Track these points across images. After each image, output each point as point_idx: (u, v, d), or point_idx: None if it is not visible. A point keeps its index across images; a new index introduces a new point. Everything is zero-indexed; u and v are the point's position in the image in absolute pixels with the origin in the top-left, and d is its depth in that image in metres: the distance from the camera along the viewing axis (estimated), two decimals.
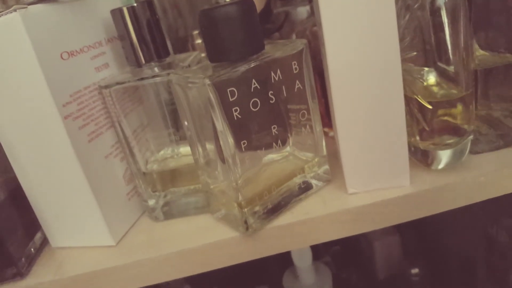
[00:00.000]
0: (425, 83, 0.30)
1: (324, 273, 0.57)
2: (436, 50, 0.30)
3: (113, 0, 0.36)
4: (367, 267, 0.64)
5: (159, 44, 0.32)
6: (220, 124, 0.27)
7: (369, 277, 0.64)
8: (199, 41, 0.47)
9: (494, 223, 0.48)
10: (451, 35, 0.29)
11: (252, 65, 0.28)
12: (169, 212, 0.35)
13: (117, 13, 0.31)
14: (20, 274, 0.31)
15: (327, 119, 0.39)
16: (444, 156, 0.30)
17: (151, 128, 0.36)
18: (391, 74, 0.28)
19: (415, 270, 0.60)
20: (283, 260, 0.57)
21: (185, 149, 0.35)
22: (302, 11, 0.44)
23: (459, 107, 0.30)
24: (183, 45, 0.53)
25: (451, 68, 0.30)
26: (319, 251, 0.63)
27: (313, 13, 0.43)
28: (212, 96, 0.26)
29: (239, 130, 0.28)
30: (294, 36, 0.41)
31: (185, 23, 0.58)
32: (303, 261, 0.54)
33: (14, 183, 0.32)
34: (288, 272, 0.58)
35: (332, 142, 0.37)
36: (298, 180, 0.32)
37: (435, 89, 0.31)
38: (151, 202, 0.34)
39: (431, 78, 0.30)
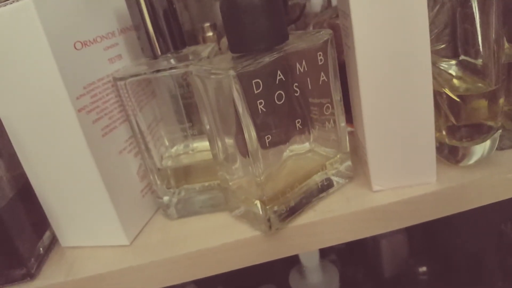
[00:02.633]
0: (454, 76, 0.29)
1: (331, 271, 0.56)
2: (464, 43, 0.29)
3: None
4: (373, 265, 0.63)
5: (176, 34, 0.31)
6: (245, 118, 0.26)
7: (376, 276, 0.63)
8: (210, 33, 0.45)
9: (508, 220, 0.48)
10: (482, 27, 0.28)
11: (277, 56, 0.26)
12: (183, 210, 0.33)
13: (132, 2, 0.30)
14: (30, 275, 0.30)
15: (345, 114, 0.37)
16: (476, 152, 0.29)
17: (165, 123, 0.34)
18: (421, 68, 0.27)
19: (422, 269, 0.59)
20: (290, 259, 0.55)
21: (199, 145, 0.34)
22: (316, 3, 0.42)
23: (489, 101, 0.29)
24: (189, 38, 0.52)
25: (479, 61, 0.29)
26: (324, 249, 0.62)
27: (329, 5, 0.42)
28: (236, 88, 0.25)
29: (264, 123, 0.27)
30: (311, 28, 0.40)
31: (191, 16, 0.56)
32: (310, 260, 0.53)
33: (23, 179, 0.30)
34: (294, 271, 0.57)
35: (351, 138, 0.36)
36: (319, 177, 0.31)
37: (458, 82, 0.30)
38: (166, 199, 0.33)
39: (458, 71, 0.29)
